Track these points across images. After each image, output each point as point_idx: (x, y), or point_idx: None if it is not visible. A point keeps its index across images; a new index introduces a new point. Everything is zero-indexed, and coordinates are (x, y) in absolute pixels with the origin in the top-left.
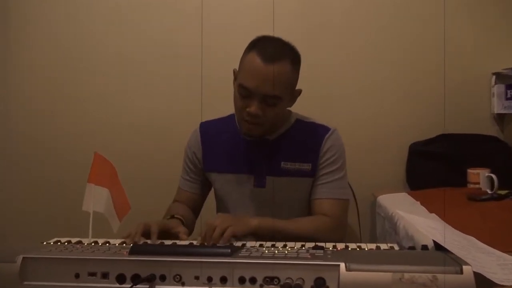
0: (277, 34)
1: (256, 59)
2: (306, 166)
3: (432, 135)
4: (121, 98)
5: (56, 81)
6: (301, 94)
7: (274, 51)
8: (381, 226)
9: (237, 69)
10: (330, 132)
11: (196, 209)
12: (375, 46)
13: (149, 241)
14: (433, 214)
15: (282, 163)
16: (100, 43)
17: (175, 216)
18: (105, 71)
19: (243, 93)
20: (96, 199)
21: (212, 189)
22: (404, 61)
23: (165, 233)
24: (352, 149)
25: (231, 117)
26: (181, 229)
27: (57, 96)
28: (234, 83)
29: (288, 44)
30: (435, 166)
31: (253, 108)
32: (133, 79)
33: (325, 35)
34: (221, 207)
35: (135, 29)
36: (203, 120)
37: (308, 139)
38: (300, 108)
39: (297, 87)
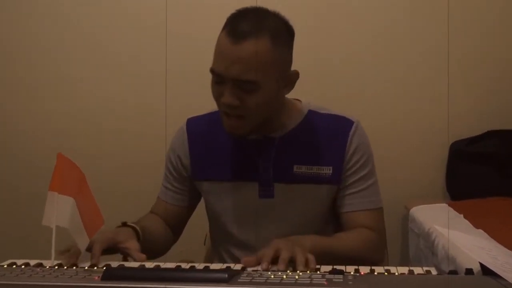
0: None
1: (224, 39)
2: (326, 170)
3: (479, 131)
4: (88, 91)
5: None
6: (324, 88)
7: (245, 27)
8: (415, 245)
9: None
10: (354, 126)
11: (176, 226)
12: (409, 35)
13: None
14: (480, 230)
15: (295, 167)
16: (62, 40)
17: (128, 224)
18: (67, 65)
19: (215, 79)
20: (60, 211)
21: (203, 202)
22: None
23: (112, 249)
24: (378, 150)
25: None
26: (132, 246)
27: (9, 91)
28: None
29: (270, 16)
30: (482, 170)
31: (225, 96)
32: (101, 70)
33: (357, 25)
34: (215, 224)
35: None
36: (190, 116)
37: (327, 135)
38: (321, 103)
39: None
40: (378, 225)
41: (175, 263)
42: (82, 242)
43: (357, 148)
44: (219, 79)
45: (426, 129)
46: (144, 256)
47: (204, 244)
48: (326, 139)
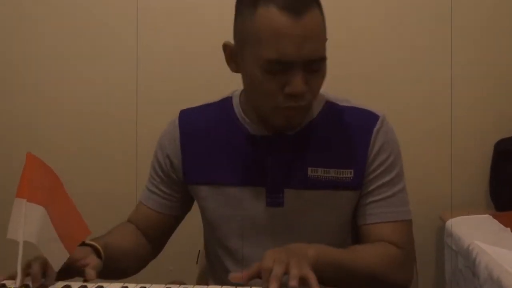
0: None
1: (280, 17)
2: (346, 174)
3: None
4: (60, 86)
5: None
6: (349, 84)
7: None
8: (452, 264)
9: (235, 42)
10: (380, 121)
11: (158, 238)
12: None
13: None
14: None
15: (310, 169)
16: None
17: (87, 242)
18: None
19: (274, 69)
20: (28, 222)
21: (197, 211)
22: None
23: (68, 268)
24: (408, 151)
25: (225, 102)
26: (91, 261)
27: None
28: (230, 63)
29: None
30: None
31: (298, 83)
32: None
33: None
34: (212, 238)
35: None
36: (185, 107)
37: (348, 132)
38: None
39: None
40: (404, 241)
41: (163, 285)
42: (57, 260)
43: (382, 147)
44: (280, 67)
45: (465, 125)
46: (94, 275)
47: (197, 263)
48: (347, 136)
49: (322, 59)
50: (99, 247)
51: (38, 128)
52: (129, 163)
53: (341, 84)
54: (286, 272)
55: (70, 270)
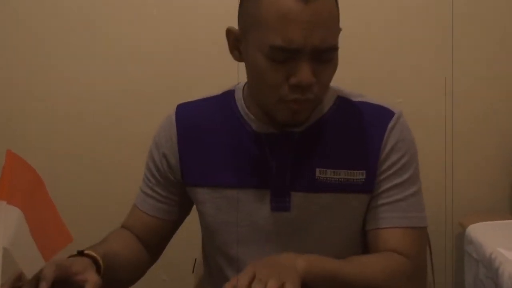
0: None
1: (288, 0)
2: (358, 176)
3: None
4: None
5: None
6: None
7: None
8: (473, 274)
9: (240, 28)
10: (395, 118)
11: (155, 244)
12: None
13: None
14: None
15: (318, 170)
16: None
17: (86, 252)
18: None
19: (280, 57)
20: (8, 226)
21: (195, 215)
22: None
23: (66, 282)
24: (424, 150)
25: (227, 96)
26: (90, 278)
27: None
28: (233, 51)
29: None
30: None
31: (305, 74)
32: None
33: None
34: (212, 244)
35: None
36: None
37: (360, 130)
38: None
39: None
40: (414, 250)
41: None
42: (30, 267)
43: (395, 146)
44: (286, 56)
45: (487, 127)
46: None
47: (193, 272)
48: (359, 135)
49: (333, 49)
50: (99, 258)
51: (31, 128)
52: (123, 163)
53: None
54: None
55: (67, 285)
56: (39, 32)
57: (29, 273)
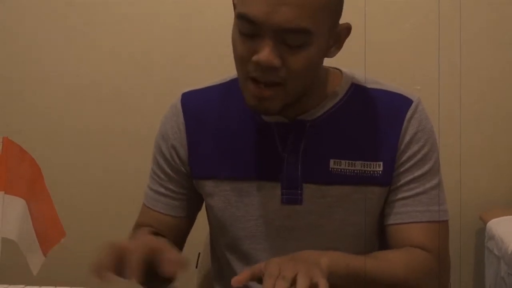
0: None
1: None
2: (375, 167)
3: None
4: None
5: None
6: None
7: None
8: (494, 271)
9: None
10: (413, 106)
11: (178, 242)
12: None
13: None
14: None
15: (332, 162)
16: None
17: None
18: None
19: (245, 29)
20: (7, 217)
21: (204, 208)
22: None
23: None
24: (444, 141)
25: (235, 83)
26: (179, 256)
27: None
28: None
29: None
30: None
31: (262, 53)
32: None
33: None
34: (220, 239)
35: None
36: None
37: (377, 118)
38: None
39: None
40: (436, 245)
41: None
42: (35, 260)
43: (414, 137)
44: (252, 30)
45: (510, 114)
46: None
47: (196, 267)
48: (376, 124)
49: (302, 32)
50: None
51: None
52: (123, 160)
53: None
54: (293, 284)
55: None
56: (39, 32)
57: (34, 266)
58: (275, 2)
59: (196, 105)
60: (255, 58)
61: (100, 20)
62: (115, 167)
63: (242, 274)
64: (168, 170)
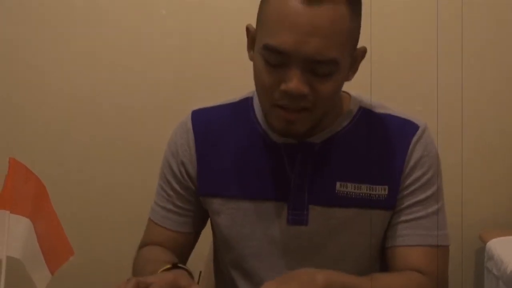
0: None
1: (292, 1)
2: (380, 191)
3: None
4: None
5: None
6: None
7: None
8: None
9: (255, 26)
10: (419, 132)
11: (185, 257)
12: None
13: None
14: None
15: (338, 184)
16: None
17: (179, 265)
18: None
19: (272, 60)
20: (12, 235)
21: (209, 226)
22: None
23: None
24: (445, 160)
25: (244, 102)
26: None
27: None
28: (249, 50)
29: None
30: None
31: (294, 82)
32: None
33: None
34: (225, 257)
35: None
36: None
37: (384, 143)
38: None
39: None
40: (434, 269)
41: None
42: (41, 280)
43: (419, 162)
44: (279, 60)
45: (509, 135)
46: None
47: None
48: (382, 148)
49: (330, 63)
50: (191, 271)
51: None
52: (129, 167)
53: None
54: None
55: None
56: (41, 31)
57: (40, 286)
58: (305, 33)
59: (206, 123)
60: (283, 87)
61: (106, 32)
62: (120, 180)
63: None
64: (177, 187)
